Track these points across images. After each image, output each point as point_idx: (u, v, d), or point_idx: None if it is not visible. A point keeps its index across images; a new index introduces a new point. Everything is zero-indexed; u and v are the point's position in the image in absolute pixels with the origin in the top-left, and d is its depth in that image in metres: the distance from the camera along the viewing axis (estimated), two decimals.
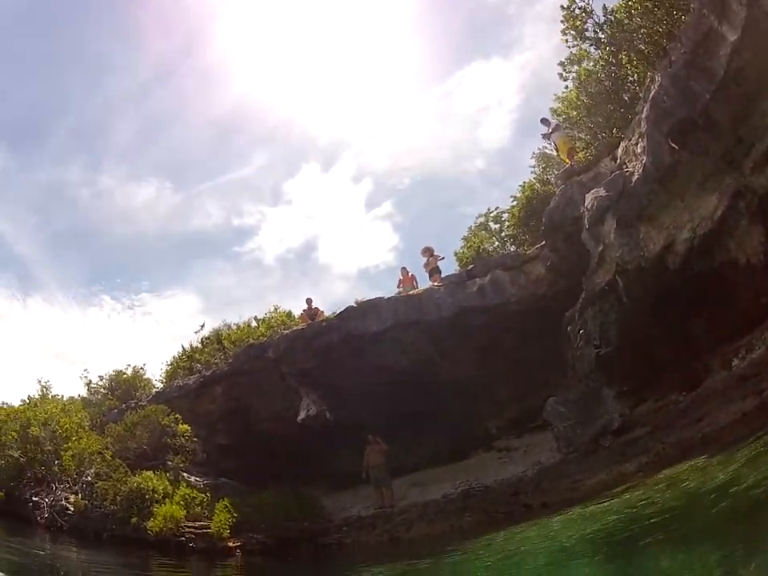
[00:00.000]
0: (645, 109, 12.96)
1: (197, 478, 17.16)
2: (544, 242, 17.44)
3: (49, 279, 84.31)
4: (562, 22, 19.64)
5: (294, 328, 21.37)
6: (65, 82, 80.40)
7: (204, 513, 15.18)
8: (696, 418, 12.09)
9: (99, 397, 25.94)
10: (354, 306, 19.97)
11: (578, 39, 19.49)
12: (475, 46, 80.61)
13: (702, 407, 12.45)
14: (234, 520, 14.69)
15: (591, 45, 19.31)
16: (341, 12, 77.73)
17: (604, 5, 18.60)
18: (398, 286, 21.87)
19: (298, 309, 24.63)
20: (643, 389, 14.67)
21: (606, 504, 10.80)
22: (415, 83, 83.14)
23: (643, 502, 9.91)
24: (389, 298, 19.67)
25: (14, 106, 75.27)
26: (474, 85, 78.17)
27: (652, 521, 8.89)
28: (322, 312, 21.94)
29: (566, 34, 19.83)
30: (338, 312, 20.33)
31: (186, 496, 15.32)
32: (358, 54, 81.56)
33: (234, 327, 26.03)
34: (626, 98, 17.79)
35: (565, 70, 20.97)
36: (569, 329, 15.95)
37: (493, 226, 26.92)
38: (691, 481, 9.64)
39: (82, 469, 16.61)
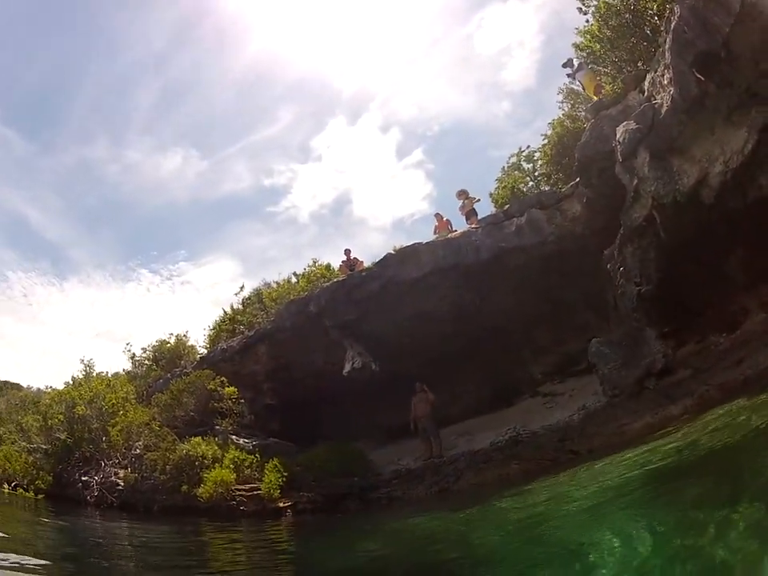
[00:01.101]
0: (667, 40, 12.34)
1: (245, 440, 17.22)
2: (578, 179, 16.94)
3: (84, 260, 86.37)
4: None
5: (334, 280, 21.19)
6: (77, 59, 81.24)
7: (254, 474, 15.26)
8: (736, 360, 11.84)
9: (144, 369, 26.26)
10: (393, 252, 19.73)
11: None
12: None
13: (742, 349, 12.16)
14: (284, 480, 14.72)
15: None
16: None
17: None
18: (435, 233, 21.53)
19: (336, 263, 24.52)
20: (684, 330, 14.33)
21: (651, 446, 10.58)
22: (435, 28, 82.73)
23: (687, 443, 9.75)
24: (427, 243, 19.31)
25: (26, 88, 76.02)
26: (494, 27, 77.70)
27: (694, 462, 8.84)
28: (362, 262, 21.71)
29: None
30: (376, 261, 20.06)
31: (236, 459, 15.36)
32: (374, 2, 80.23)
33: (274, 285, 26.12)
34: (648, 31, 17.03)
35: (584, 4, 20.10)
36: (609, 266, 15.54)
37: (525, 165, 26.31)
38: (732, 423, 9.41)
39: (129, 442, 16.81)
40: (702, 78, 11.45)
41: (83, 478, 16.30)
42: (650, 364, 13.77)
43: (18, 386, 31.17)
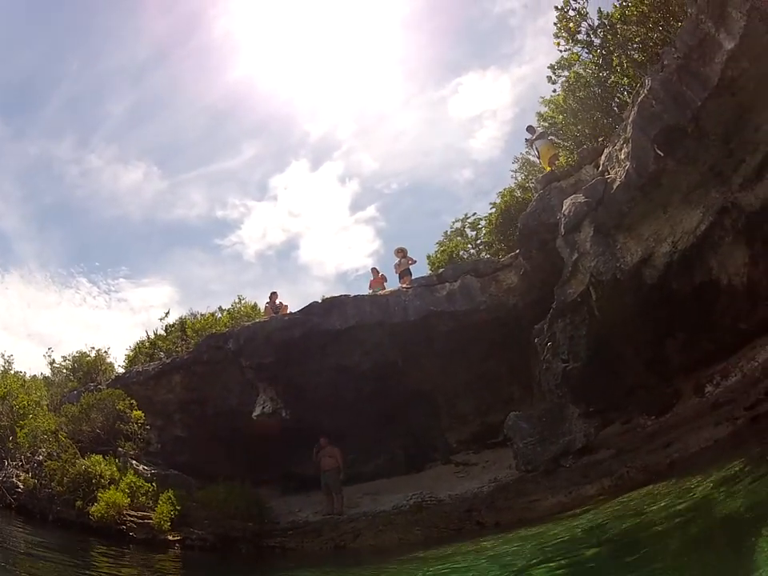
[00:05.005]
0: (632, 113, 12.53)
1: (145, 468, 16.53)
2: (518, 251, 16.92)
3: (28, 256, 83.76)
4: (555, 24, 18.69)
5: (257, 320, 20.81)
6: (61, 52, 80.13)
7: (148, 503, 14.65)
8: (664, 443, 11.70)
9: (62, 378, 25.58)
10: (318, 302, 19.44)
11: (570, 42, 18.54)
12: (474, 54, 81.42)
13: (671, 432, 12.04)
14: (177, 513, 14.19)
15: (583, 48, 18.47)
16: (342, 7, 78.15)
17: (599, 8, 17.84)
18: (369, 288, 21.56)
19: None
20: (610, 410, 14.30)
21: (558, 525, 10.34)
22: (411, 85, 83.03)
23: (597, 525, 9.54)
24: (354, 297, 19.07)
25: (8, 71, 74.87)
26: (470, 93, 78.84)
27: (602, 545, 8.55)
28: (286, 306, 21.47)
29: (558, 37, 18.85)
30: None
31: (132, 484, 14.79)
32: (356, 51, 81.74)
33: (199, 316, 25.62)
34: (615, 107, 17.23)
35: (554, 74, 20.21)
36: (536, 341, 15.45)
37: (469, 232, 26.11)
38: (649, 506, 9.17)
39: (35, 447, 16.35)
40: (662, 154, 11.53)
41: None
42: (569, 442, 13.52)
43: None
